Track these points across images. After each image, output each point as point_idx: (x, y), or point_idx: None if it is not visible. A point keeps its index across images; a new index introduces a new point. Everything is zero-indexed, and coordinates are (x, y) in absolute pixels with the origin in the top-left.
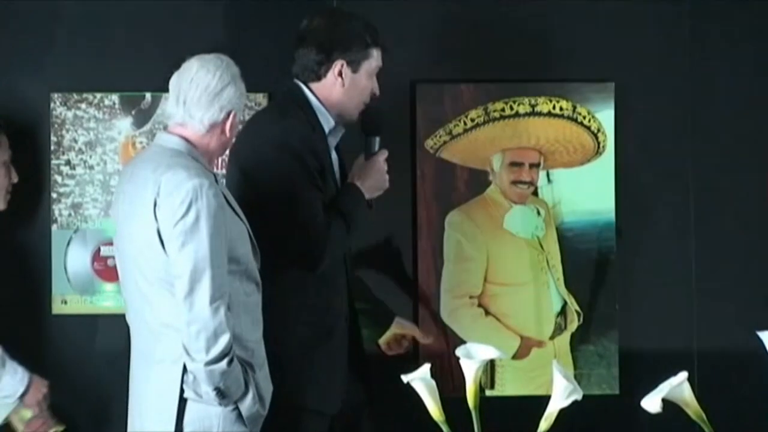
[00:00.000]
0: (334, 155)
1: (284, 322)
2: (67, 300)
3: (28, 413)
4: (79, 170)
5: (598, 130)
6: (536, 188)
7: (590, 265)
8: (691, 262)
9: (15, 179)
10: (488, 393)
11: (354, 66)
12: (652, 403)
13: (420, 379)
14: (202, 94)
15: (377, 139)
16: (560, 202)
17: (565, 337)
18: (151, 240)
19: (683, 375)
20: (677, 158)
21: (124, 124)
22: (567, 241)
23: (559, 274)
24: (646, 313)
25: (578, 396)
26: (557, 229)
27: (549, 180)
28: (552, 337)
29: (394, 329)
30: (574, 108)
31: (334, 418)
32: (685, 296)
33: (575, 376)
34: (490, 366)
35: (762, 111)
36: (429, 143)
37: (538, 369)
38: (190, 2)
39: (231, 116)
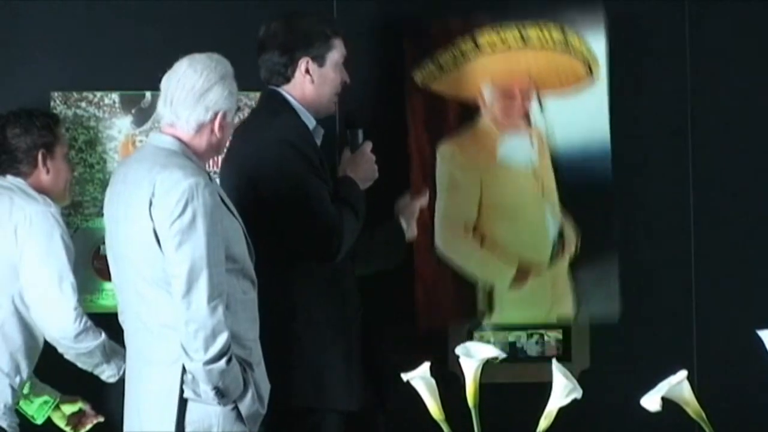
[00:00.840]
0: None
1: (301, 320)
2: None
3: (69, 408)
4: (79, 169)
5: (591, 59)
6: (529, 117)
7: (586, 190)
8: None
9: (74, 172)
10: (486, 321)
11: (319, 61)
12: (651, 401)
13: (420, 378)
14: (187, 95)
15: (360, 131)
16: (553, 130)
17: (563, 263)
18: (148, 240)
19: (683, 374)
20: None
21: (124, 122)
22: (561, 168)
23: (555, 201)
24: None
25: (578, 394)
26: (551, 156)
27: (541, 109)
28: (550, 264)
29: None
30: (566, 37)
31: (348, 420)
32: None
33: (575, 300)
34: (489, 294)
35: None
36: (418, 76)
37: (536, 296)
38: (190, 1)
39: (219, 116)
